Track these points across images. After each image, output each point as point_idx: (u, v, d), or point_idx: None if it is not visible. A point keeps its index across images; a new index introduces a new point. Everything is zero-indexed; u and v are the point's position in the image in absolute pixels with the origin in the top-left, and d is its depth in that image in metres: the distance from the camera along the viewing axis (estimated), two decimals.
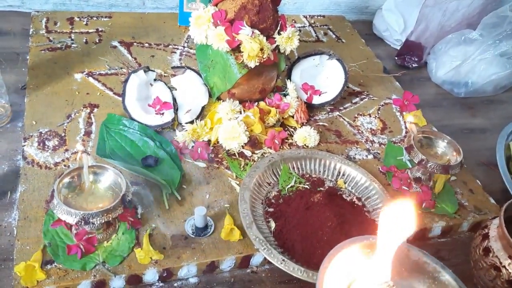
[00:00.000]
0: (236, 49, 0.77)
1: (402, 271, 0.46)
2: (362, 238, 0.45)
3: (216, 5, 0.79)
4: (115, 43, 0.99)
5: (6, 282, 0.60)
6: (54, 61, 0.91)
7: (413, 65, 1.18)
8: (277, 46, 0.81)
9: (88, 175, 0.62)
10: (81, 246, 0.62)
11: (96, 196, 0.63)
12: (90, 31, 1.01)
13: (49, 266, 0.60)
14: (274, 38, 0.80)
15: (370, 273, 0.43)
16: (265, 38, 0.77)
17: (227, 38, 0.76)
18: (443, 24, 1.15)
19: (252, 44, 0.74)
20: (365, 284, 0.43)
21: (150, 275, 0.63)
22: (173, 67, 0.90)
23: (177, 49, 1.02)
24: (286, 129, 0.87)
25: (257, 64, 0.77)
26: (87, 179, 0.62)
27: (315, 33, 1.19)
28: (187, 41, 1.05)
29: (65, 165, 0.73)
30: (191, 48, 1.03)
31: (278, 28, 0.80)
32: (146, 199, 0.71)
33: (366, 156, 0.87)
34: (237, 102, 0.83)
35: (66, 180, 0.61)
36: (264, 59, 0.77)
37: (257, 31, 0.76)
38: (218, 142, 0.81)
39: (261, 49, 0.76)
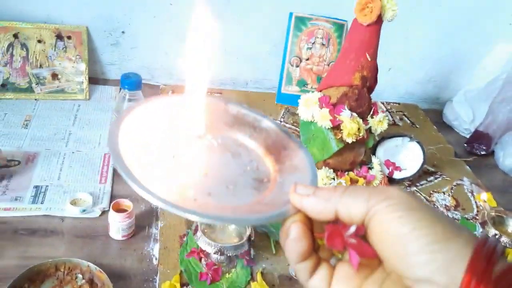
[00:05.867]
0: (335, 127, 0.94)
1: (220, 126, 0.45)
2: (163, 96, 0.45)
3: (321, 91, 0.98)
4: None
5: None
6: None
7: (481, 153, 1.30)
8: (370, 127, 0.97)
9: None
10: (210, 274, 0.76)
11: (225, 234, 0.78)
12: None
13: None
14: (368, 120, 0.96)
15: (181, 128, 0.41)
16: (361, 120, 0.94)
17: (330, 118, 0.93)
18: (510, 118, 1.28)
19: (352, 124, 0.91)
20: (176, 139, 0.41)
21: None
22: None
23: None
24: None
25: (354, 140, 0.93)
26: None
27: (392, 117, 1.36)
28: (283, 116, 1.24)
29: None
30: (286, 123, 1.21)
31: (371, 113, 0.97)
32: (256, 244, 0.85)
33: None
34: (331, 170, 0.98)
35: None
36: (360, 137, 0.93)
37: (355, 114, 0.93)
38: None
39: (358, 129, 0.92)
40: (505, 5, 1.32)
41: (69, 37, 1.16)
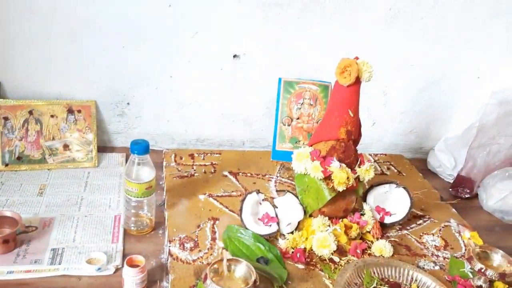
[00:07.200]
0: (327, 177, 1.03)
1: None
2: None
3: (311, 145, 1.08)
4: (226, 173, 1.29)
5: None
6: (183, 185, 1.21)
7: (466, 196, 1.39)
8: (358, 176, 1.06)
9: (226, 265, 0.85)
10: None
11: (232, 281, 0.84)
12: (206, 163, 1.32)
13: None
14: (356, 169, 1.06)
15: None
16: (349, 169, 1.03)
17: (322, 169, 1.02)
18: (488, 162, 1.38)
19: (341, 173, 1.00)
20: None
21: None
22: (277, 191, 1.16)
23: (272, 178, 1.30)
24: (365, 242, 1.08)
25: (344, 189, 1.02)
26: (225, 268, 0.85)
27: (380, 167, 1.45)
28: (279, 172, 1.33)
29: (200, 262, 0.96)
30: (282, 178, 1.30)
31: (358, 163, 1.06)
32: None
33: (433, 267, 1.05)
34: (327, 218, 1.06)
35: (213, 267, 0.84)
36: (349, 185, 1.02)
37: (343, 165, 1.03)
38: (312, 249, 1.02)
39: (347, 178, 1.01)
40: (471, 62, 1.47)
41: (79, 111, 1.28)
